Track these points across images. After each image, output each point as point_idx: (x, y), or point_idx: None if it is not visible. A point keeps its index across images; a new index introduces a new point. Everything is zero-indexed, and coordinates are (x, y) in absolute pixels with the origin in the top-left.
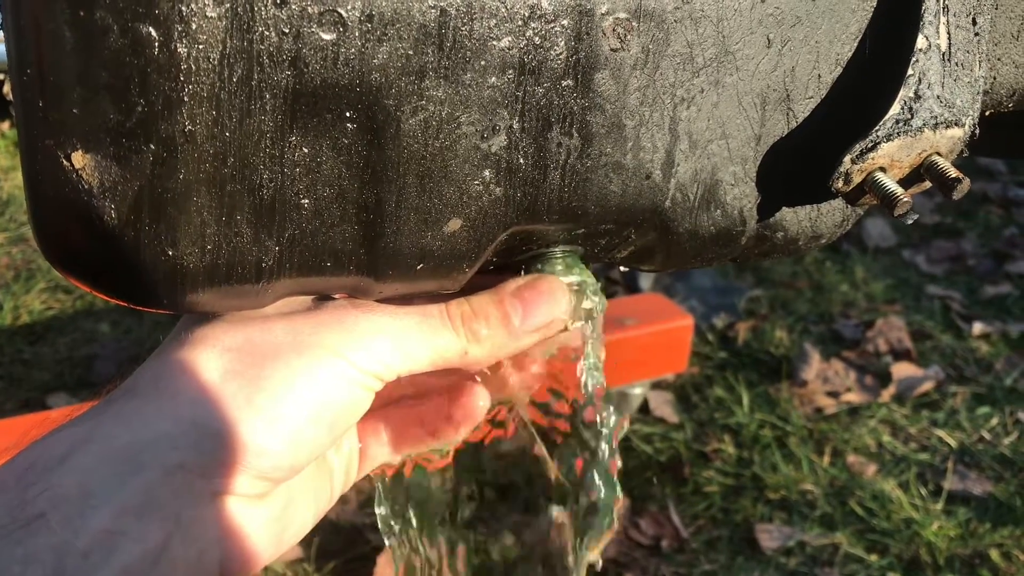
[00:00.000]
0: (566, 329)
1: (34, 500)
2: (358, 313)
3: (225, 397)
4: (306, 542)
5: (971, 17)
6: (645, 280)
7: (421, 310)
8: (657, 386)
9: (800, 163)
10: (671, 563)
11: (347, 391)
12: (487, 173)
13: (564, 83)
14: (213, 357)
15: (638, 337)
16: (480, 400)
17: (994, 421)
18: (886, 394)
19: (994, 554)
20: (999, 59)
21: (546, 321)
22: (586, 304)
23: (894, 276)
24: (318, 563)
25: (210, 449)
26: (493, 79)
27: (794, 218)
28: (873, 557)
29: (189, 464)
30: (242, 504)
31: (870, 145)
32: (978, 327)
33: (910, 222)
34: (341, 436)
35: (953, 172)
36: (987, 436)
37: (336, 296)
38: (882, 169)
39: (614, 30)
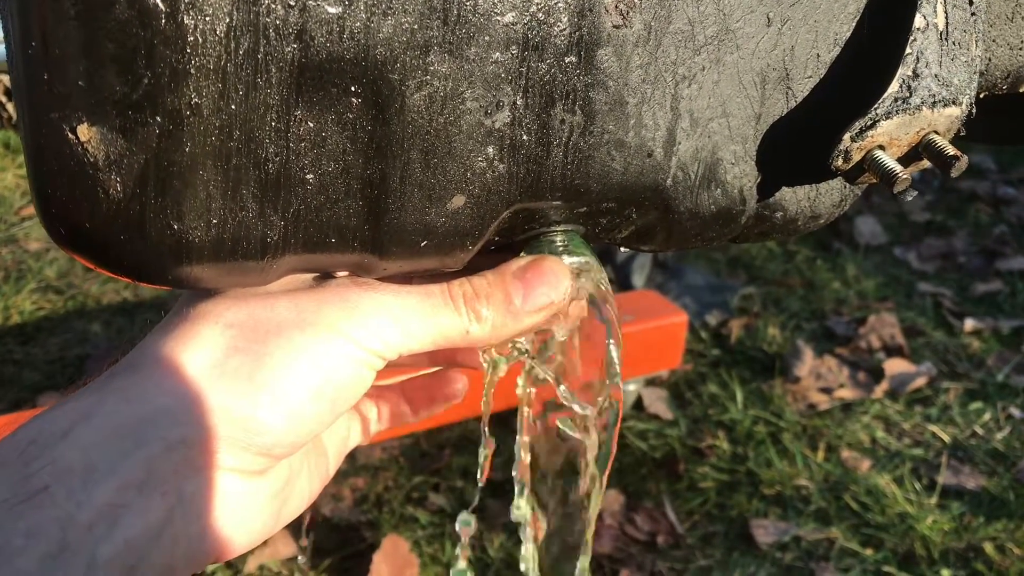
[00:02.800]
0: (567, 309)
1: (37, 474)
2: (361, 291)
3: (227, 373)
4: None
5: None
6: (638, 277)
7: (423, 289)
8: (651, 383)
9: (799, 142)
10: (666, 559)
11: (349, 369)
12: (491, 149)
13: (567, 59)
14: (216, 333)
15: (632, 334)
16: (460, 384)
17: (986, 416)
18: (879, 390)
19: (988, 547)
20: (994, 40)
21: (548, 302)
22: (588, 283)
23: (886, 274)
24: (314, 560)
25: (211, 425)
26: (497, 54)
27: (793, 197)
28: (868, 551)
29: (190, 439)
30: (243, 480)
31: (869, 123)
32: (969, 324)
33: (909, 199)
34: (342, 413)
35: (951, 150)
36: (980, 431)
37: (339, 274)
38: (881, 147)
39: (616, 6)
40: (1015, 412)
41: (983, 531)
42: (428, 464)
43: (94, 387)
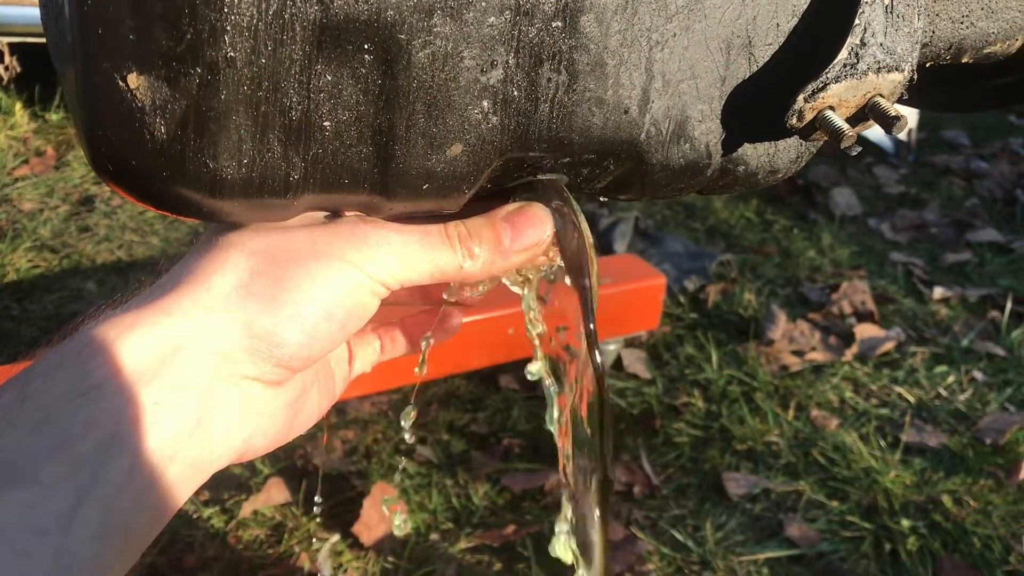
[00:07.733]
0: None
1: (92, 372)
2: (368, 228)
3: (252, 293)
4: (294, 487)
5: None
6: (620, 244)
7: (423, 228)
8: (631, 344)
9: (760, 103)
10: (643, 508)
11: (357, 295)
12: (485, 103)
13: (554, 24)
14: (242, 259)
15: (613, 295)
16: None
17: (951, 379)
18: (849, 353)
19: (946, 500)
20: (938, 15)
21: (533, 243)
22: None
23: (859, 243)
24: (306, 507)
25: (238, 338)
26: (492, 19)
27: (754, 153)
28: (834, 503)
29: (220, 350)
30: (263, 388)
31: (820, 86)
32: (938, 292)
33: (854, 154)
34: (351, 334)
35: (893, 111)
36: (944, 393)
37: (349, 213)
38: (831, 108)
39: None
40: (978, 375)
41: (942, 485)
42: (415, 418)
43: (136, 302)
